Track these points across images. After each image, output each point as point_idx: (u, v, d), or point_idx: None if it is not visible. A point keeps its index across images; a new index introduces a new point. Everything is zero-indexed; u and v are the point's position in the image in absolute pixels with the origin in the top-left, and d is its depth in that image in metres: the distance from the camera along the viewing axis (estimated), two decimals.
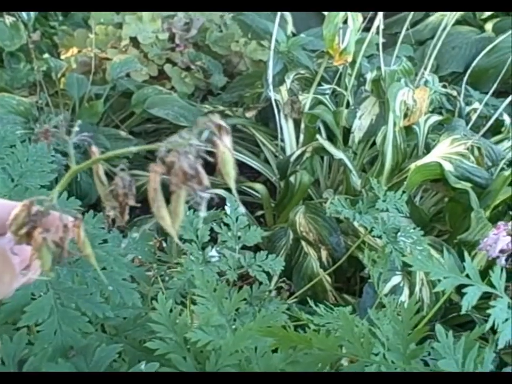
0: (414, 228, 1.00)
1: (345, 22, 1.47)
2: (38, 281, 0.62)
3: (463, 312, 0.60)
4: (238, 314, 0.77)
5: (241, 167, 1.70)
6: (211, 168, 0.37)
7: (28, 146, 0.83)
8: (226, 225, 0.89)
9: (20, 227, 0.33)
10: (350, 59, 1.44)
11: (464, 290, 0.61)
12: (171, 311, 0.65)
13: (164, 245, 0.90)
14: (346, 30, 1.46)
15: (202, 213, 0.33)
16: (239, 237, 0.89)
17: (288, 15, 1.95)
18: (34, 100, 1.69)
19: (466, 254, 0.68)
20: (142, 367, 0.55)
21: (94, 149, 0.35)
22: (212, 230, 0.88)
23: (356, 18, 1.49)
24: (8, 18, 1.72)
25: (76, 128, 0.36)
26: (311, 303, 0.88)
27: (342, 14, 1.42)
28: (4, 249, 0.34)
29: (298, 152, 1.39)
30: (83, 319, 0.60)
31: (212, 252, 0.84)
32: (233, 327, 0.72)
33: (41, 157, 0.84)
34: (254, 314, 0.80)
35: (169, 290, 0.79)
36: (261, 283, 0.87)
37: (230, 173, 0.34)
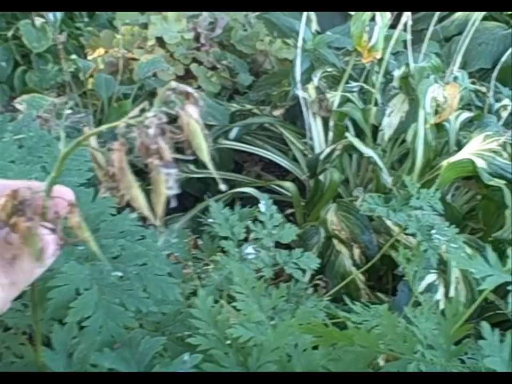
0: (448, 226, 0.99)
1: (372, 19, 1.46)
2: (82, 277, 0.63)
3: (510, 310, 0.59)
4: (275, 311, 0.77)
5: (270, 165, 1.70)
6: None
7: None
8: (261, 222, 0.89)
9: (9, 216, 0.32)
10: (378, 56, 1.43)
11: (510, 287, 0.60)
12: (212, 307, 0.65)
13: (200, 242, 0.90)
14: (374, 27, 1.46)
15: (173, 191, 0.30)
16: (273, 235, 0.89)
17: (312, 13, 1.94)
18: (63, 100, 1.71)
19: (509, 250, 0.67)
20: (186, 357, 0.55)
21: (86, 129, 0.33)
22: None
23: (383, 15, 1.48)
24: (38, 20, 1.74)
25: (68, 111, 0.35)
26: (347, 301, 0.87)
27: None
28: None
29: (328, 150, 1.38)
30: (127, 314, 0.60)
31: (248, 249, 0.84)
32: (271, 323, 0.71)
33: (78, 156, 0.85)
34: (291, 311, 0.79)
35: (206, 287, 0.79)
36: (297, 280, 0.87)
37: (202, 145, 0.30)
